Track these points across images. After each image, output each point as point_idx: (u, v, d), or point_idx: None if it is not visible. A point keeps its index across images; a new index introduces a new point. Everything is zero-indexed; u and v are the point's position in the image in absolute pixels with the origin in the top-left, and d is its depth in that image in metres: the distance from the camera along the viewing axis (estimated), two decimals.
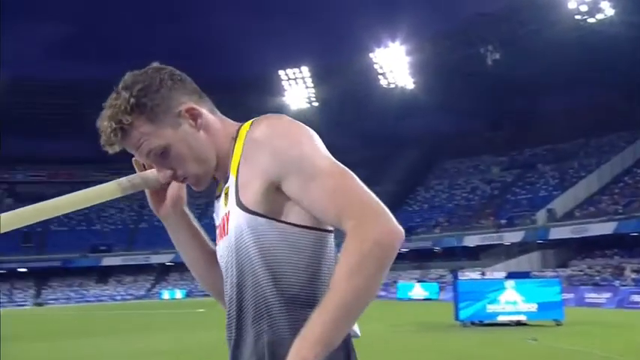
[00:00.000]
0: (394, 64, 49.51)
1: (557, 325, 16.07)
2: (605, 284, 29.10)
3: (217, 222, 1.43)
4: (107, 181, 1.42)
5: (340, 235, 1.26)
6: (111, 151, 1.36)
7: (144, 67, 1.39)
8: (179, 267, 46.48)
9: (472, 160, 54.63)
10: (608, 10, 38.00)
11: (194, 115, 1.36)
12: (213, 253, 1.50)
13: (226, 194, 1.36)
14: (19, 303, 49.55)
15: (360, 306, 1.17)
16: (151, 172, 1.42)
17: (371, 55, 49.96)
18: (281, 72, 54.41)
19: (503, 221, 42.62)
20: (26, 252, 53.25)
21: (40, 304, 49.03)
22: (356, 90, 52.93)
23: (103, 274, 55.52)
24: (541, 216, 40.28)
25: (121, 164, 1.45)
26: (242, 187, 1.30)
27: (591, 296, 26.54)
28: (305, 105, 56.17)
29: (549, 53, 41.69)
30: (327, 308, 1.14)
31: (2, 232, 1.31)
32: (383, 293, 38.71)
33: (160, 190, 1.48)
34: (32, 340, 17.76)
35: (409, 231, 47.56)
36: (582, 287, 28.62)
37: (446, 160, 56.66)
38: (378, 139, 58.38)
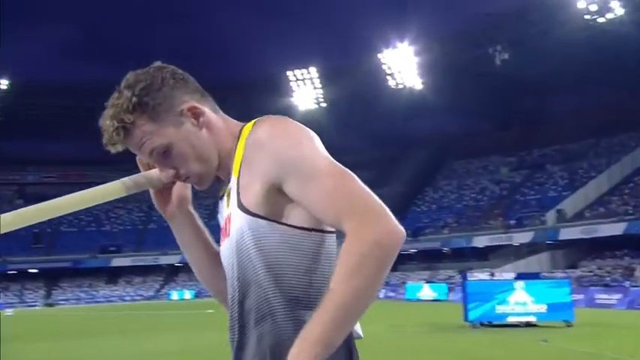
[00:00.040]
0: (402, 64, 49.43)
1: (568, 326, 15.99)
2: (616, 285, 28.93)
3: (221, 223, 1.44)
4: None
5: (342, 236, 1.26)
6: (113, 150, 1.36)
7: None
8: (188, 268, 45.52)
9: (481, 160, 54.46)
10: (618, 10, 37.79)
11: (196, 114, 1.36)
12: (218, 255, 1.50)
13: (228, 195, 1.36)
14: (29, 304, 49.88)
15: (360, 306, 1.17)
16: (155, 172, 1.42)
17: (379, 55, 49.92)
18: (289, 73, 54.46)
19: (512, 222, 42.46)
20: (36, 253, 53.62)
21: (50, 305, 49.32)
22: (364, 91, 52.90)
23: (113, 275, 55.81)
24: (550, 216, 40.09)
25: (131, 165, 1.44)
26: (243, 188, 1.30)
27: (601, 297, 26.39)
28: (313, 106, 56.19)
29: (558, 53, 41.49)
30: (326, 309, 1.14)
31: (5, 231, 1.30)
32: (391, 294, 38.68)
33: (165, 190, 1.48)
34: (42, 340, 17.87)
35: (417, 232, 47.54)
36: (592, 288, 28.46)
37: (454, 160, 56.52)
38: (386, 139, 58.32)
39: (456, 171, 56.02)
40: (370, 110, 55.75)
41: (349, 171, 1.24)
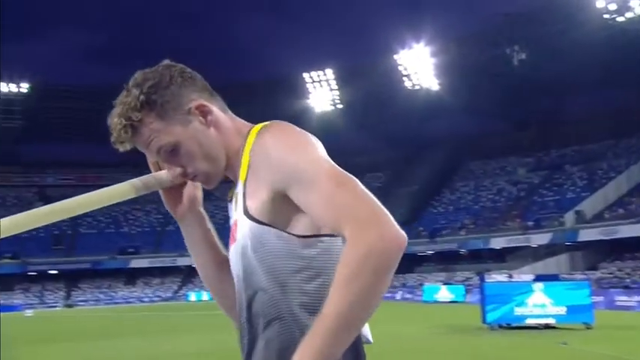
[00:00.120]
0: (419, 65, 49.29)
1: (587, 328, 15.82)
2: (636, 287, 28.54)
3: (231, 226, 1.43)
4: None
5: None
6: (121, 148, 1.36)
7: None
8: None
9: (498, 161, 54.08)
10: (637, 9, 37.36)
11: (204, 112, 1.36)
12: (226, 262, 1.50)
13: (236, 200, 1.36)
14: (49, 304, 50.46)
15: (359, 316, 1.14)
16: (165, 173, 1.42)
17: (395, 56, 49.82)
18: (305, 75, 54.54)
19: (530, 223, 42.10)
20: (57, 254, 54.26)
21: (70, 306, 49.87)
22: (380, 92, 52.81)
23: (131, 276, 56.28)
24: (569, 218, 39.69)
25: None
26: (249, 195, 1.30)
27: (621, 299, 26.08)
28: (329, 107, 56.23)
29: (577, 53, 41.08)
30: (324, 320, 1.12)
31: (22, 231, 1.31)
32: (408, 296, 38.53)
33: (176, 191, 1.48)
34: (61, 341, 18.06)
35: (434, 233, 47.33)
36: (612, 290, 28.13)
37: (471, 161, 56.18)
38: (402, 140, 58.15)
39: (473, 172, 55.69)
40: (386, 111, 55.63)
41: (351, 176, 1.22)
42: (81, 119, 53.43)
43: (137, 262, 55.00)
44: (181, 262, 52.10)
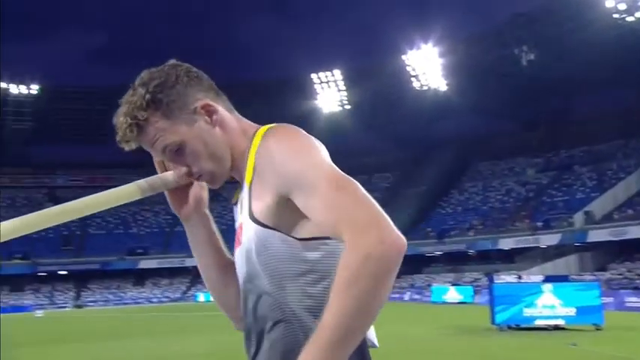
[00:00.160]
0: (427, 66, 49.21)
1: (597, 329, 15.74)
2: None
3: (237, 229, 1.43)
4: None
5: None
6: (127, 147, 1.36)
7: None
8: None
9: (507, 162, 53.88)
10: None
11: (210, 112, 1.36)
12: (229, 265, 1.50)
13: (242, 203, 1.36)
14: (59, 305, 50.72)
15: (360, 321, 1.12)
16: (171, 174, 1.42)
17: (403, 57, 49.77)
18: (313, 75, 54.58)
19: (539, 224, 41.91)
20: (66, 255, 54.56)
21: (79, 306, 50.12)
22: (388, 92, 52.77)
23: (140, 277, 56.49)
24: (578, 218, 39.49)
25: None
26: (255, 198, 1.30)
27: (631, 300, 25.92)
28: (337, 108, 56.23)
29: (586, 53, 40.87)
30: (324, 329, 1.10)
31: (37, 230, 1.31)
32: (417, 296, 38.46)
33: (181, 191, 1.48)
34: (71, 342, 18.16)
35: (442, 234, 47.21)
36: (622, 291, 27.96)
37: (480, 162, 56.01)
38: (410, 141, 58.08)
39: (482, 172, 55.52)
40: (394, 112, 55.57)
41: (352, 180, 1.21)
42: (90, 120, 53.70)
43: (146, 263, 55.21)
44: (190, 262, 52.20)
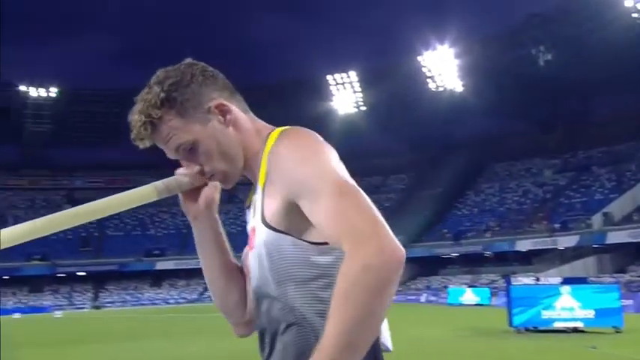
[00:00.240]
0: (443, 66, 49.01)
1: (617, 332, 15.56)
2: None
3: (249, 231, 1.43)
4: None
5: None
6: (141, 145, 1.37)
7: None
8: None
9: (524, 163, 53.47)
10: None
11: (223, 112, 1.36)
12: (234, 270, 1.50)
13: (255, 206, 1.36)
14: (78, 306, 51.21)
15: (360, 333, 1.10)
16: (187, 176, 1.42)
17: (419, 58, 49.62)
18: (329, 77, 54.59)
19: (556, 225, 41.52)
20: (85, 256, 55.09)
21: (97, 307, 50.56)
22: (404, 94, 52.61)
23: (157, 278, 56.86)
24: (597, 220, 39.06)
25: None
26: (267, 202, 1.30)
27: None
28: (353, 109, 56.19)
29: (604, 53, 40.44)
30: (327, 339, 1.09)
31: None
32: (433, 298, 38.28)
33: (193, 191, 1.47)
34: (89, 343, 18.32)
35: (459, 235, 46.93)
36: None
37: (496, 163, 55.64)
38: (426, 142, 57.85)
39: (498, 174, 55.15)
40: (410, 113, 55.39)
41: (356, 189, 1.20)
42: (109, 122, 54.17)
43: (163, 264, 55.56)
44: None
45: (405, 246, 1.14)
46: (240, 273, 1.53)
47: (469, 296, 34.20)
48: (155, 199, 1.40)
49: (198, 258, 1.55)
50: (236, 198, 53.58)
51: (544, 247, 40.65)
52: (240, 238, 1.55)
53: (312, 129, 1.35)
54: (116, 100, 50.43)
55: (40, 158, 61.36)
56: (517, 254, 42.72)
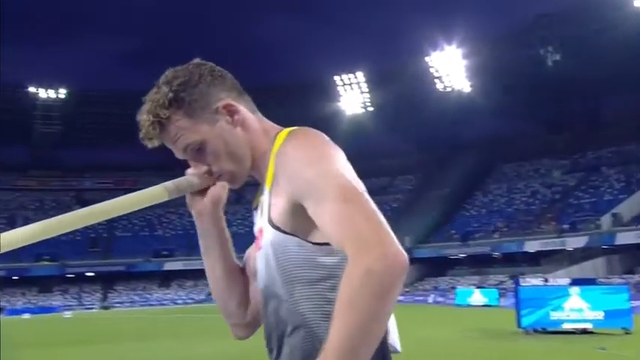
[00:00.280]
0: (450, 67, 48.92)
1: (626, 333, 15.46)
2: None
3: (255, 232, 1.43)
4: None
5: None
6: (150, 145, 1.38)
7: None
8: None
9: (532, 163, 53.26)
10: None
11: (231, 112, 1.36)
12: (236, 270, 1.50)
13: (262, 208, 1.36)
14: (87, 306, 51.44)
15: (363, 341, 1.09)
16: (197, 177, 1.43)
17: (427, 58, 49.55)
18: (336, 77, 54.59)
19: (565, 226, 41.34)
20: (93, 257, 55.34)
21: (106, 308, 50.75)
22: (412, 94, 52.54)
23: (165, 279, 57.02)
24: (606, 220, 38.86)
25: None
26: (274, 203, 1.31)
27: None
28: (360, 110, 56.16)
29: (613, 53, 40.24)
30: (331, 343, 1.09)
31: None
32: (441, 299, 38.18)
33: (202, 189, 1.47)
34: (99, 343, 18.40)
35: (467, 236, 46.80)
36: None
37: (504, 163, 55.45)
38: (434, 143, 57.73)
39: (507, 174, 54.96)
40: (418, 114, 55.31)
41: (361, 193, 1.20)
42: (117, 123, 54.34)
43: (171, 265, 55.72)
44: None
45: (412, 247, 1.14)
46: (242, 274, 1.54)
47: (477, 297, 34.08)
48: (166, 199, 1.40)
49: None
50: (244, 199, 53.65)
51: (553, 248, 40.50)
52: (247, 239, 1.55)
53: (319, 130, 1.35)
54: (125, 101, 50.56)
55: (49, 159, 61.71)
56: (525, 255, 42.57)
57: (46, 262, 52.63)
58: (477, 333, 17.30)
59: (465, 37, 47.29)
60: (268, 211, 1.32)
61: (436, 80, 50.33)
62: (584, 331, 15.88)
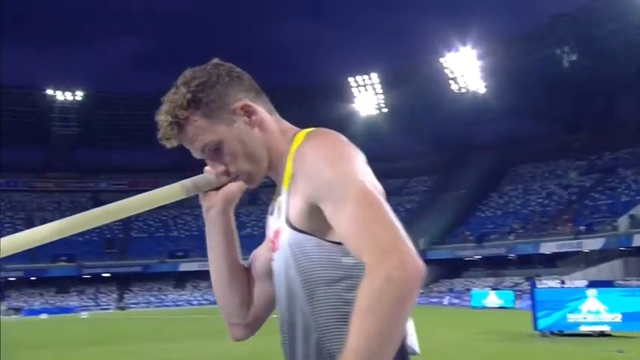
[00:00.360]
0: (465, 68, 48.72)
1: None
2: None
3: (269, 235, 1.43)
4: None
5: None
6: (168, 145, 1.39)
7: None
8: None
9: (548, 164, 52.85)
10: None
11: (249, 112, 1.37)
12: (240, 269, 1.51)
13: (279, 208, 1.36)
14: (103, 307, 51.86)
15: (381, 349, 1.08)
16: (215, 175, 1.43)
17: (441, 59, 49.39)
18: (350, 79, 54.59)
19: (581, 228, 40.97)
20: (109, 258, 55.79)
21: (122, 308, 51.12)
22: (426, 95, 52.41)
23: (181, 280, 57.32)
24: (623, 222, 38.46)
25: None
26: (292, 204, 1.31)
27: None
28: (375, 111, 56.09)
29: (629, 53, 39.84)
30: (349, 351, 1.08)
31: (80, 231, 1.32)
32: (456, 301, 37.99)
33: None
34: (114, 343, 18.55)
35: (482, 238, 46.54)
36: None
37: (520, 165, 55.09)
38: (449, 144, 57.51)
39: (522, 176, 54.58)
40: (432, 115, 55.14)
41: (381, 200, 1.19)
42: (133, 125, 54.85)
43: (186, 266, 55.99)
44: None
45: (427, 248, 1.13)
46: (247, 273, 1.54)
47: (492, 299, 33.86)
48: (183, 196, 1.41)
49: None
50: (259, 200, 53.78)
51: (569, 250, 40.16)
52: (261, 241, 1.56)
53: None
54: (141, 103, 51.02)
55: (66, 161, 62.35)
56: (541, 257, 42.25)
57: (63, 263, 53.17)
58: (493, 335, 17.18)
59: (479, 37, 47.16)
60: (286, 211, 1.32)
61: (451, 81, 50.15)
62: (602, 334, 15.70)
